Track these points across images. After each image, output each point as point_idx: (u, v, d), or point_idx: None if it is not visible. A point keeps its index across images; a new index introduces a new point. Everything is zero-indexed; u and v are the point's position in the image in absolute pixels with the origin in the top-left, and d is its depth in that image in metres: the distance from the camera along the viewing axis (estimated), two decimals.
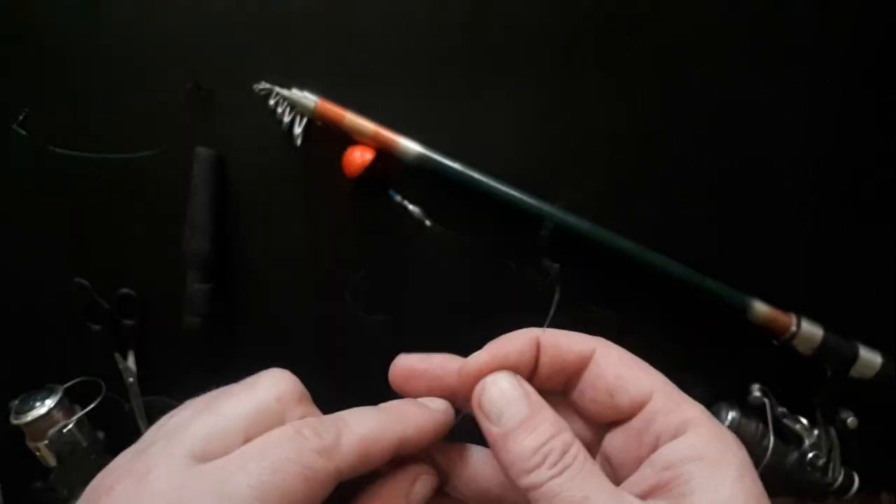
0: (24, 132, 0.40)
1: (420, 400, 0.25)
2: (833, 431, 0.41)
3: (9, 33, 0.40)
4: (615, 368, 0.24)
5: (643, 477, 0.22)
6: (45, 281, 0.43)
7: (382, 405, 0.24)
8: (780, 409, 0.41)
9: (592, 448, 0.25)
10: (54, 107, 0.40)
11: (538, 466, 0.21)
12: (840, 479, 0.40)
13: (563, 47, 0.40)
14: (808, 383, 0.41)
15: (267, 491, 0.20)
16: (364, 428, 0.23)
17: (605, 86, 0.41)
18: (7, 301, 0.43)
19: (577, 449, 0.22)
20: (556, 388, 0.25)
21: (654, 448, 0.22)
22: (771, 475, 0.39)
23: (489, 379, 0.24)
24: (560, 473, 0.21)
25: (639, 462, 0.23)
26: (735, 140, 0.41)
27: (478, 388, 0.24)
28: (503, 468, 0.22)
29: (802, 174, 0.41)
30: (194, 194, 0.40)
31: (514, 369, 0.24)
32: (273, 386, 0.23)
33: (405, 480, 0.24)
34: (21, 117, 0.40)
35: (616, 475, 0.24)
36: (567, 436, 0.22)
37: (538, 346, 0.24)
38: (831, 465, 0.40)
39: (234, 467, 0.20)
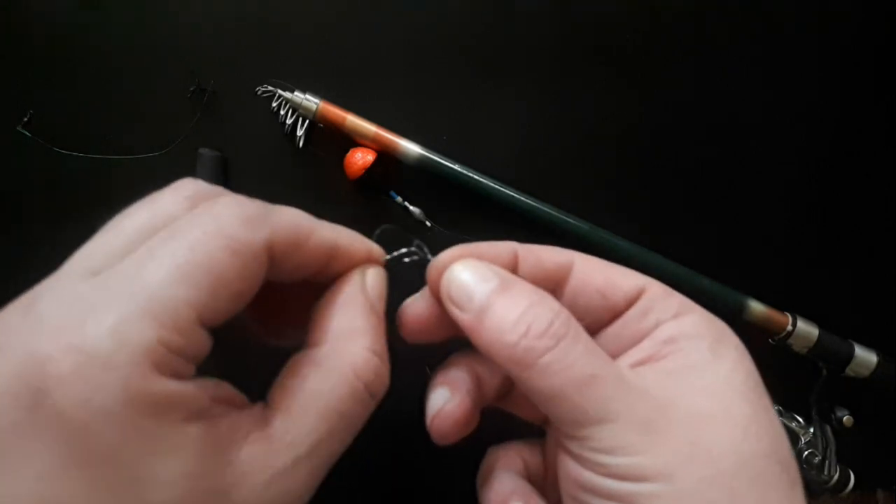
0: (28, 133, 0.40)
1: None
2: (829, 430, 0.41)
3: (12, 34, 0.40)
4: (601, 272, 0.23)
5: (641, 349, 0.21)
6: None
7: None
8: (776, 408, 0.41)
9: None
10: (58, 108, 0.41)
11: (522, 337, 0.19)
12: (836, 477, 0.40)
13: (563, 48, 0.41)
14: (803, 382, 0.41)
15: (189, 273, 0.17)
16: (294, 215, 0.21)
17: (604, 86, 0.41)
18: (7, 302, 0.43)
19: (568, 317, 0.20)
20: None
21: (654, 327, 0.21)
22: None
23: (456, 265, 0.22)
24: (555, 345, 0.19)
25: (638, 342, 0.22)
26: (732, 141, 0.41)
27: (444, 277, 0.22)
28: (490, 357, 0.20)
29: (799, 174, 0.41)
30: None
31: None
32: (177, 190, 0.20)
33: (356, 275, 0.22)
34: (25, 119, 0.40)
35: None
36: (553, 303, 0.20)
37: (516, 258, 0.23)
38: (827, 463, 0.40)
39: (141, 261, 0.17)
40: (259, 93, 0.40)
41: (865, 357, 0.40)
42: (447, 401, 0.22)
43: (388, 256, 0.24)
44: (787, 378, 0.41)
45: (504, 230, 0.41)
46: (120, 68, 0.41)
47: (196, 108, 0.40)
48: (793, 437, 0.40)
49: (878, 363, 0.40)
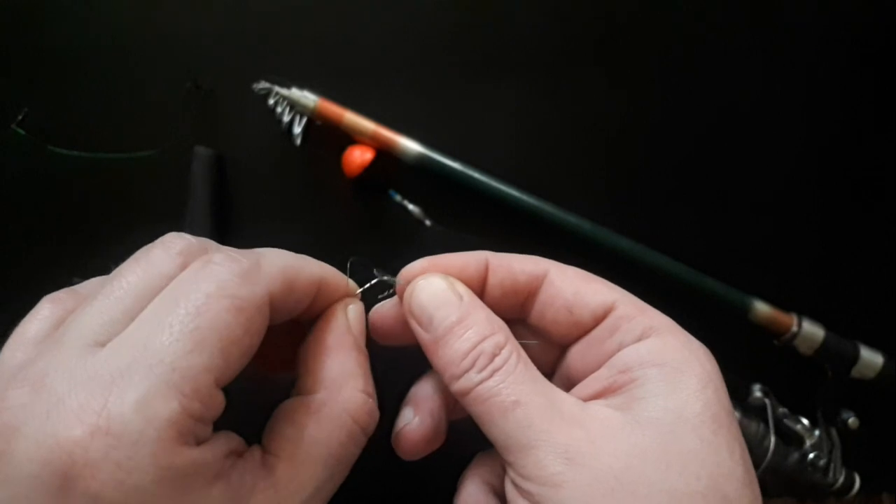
0: (22, 132, 0.40)
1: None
2: (834, 432, 0.41)
3: (7, 32, 0.40)
4: (572, 284, 0.22)
5: (597, 378, 0.21)
6: (44, 281, 0.42)
7: None
8: (781, 410, 0.41)
9: (552, 372, 0.24)
10: (53, 106, 0.40)
11: (467, 371, 0.20)
12: (841, 479, 0.40)
13: (562, 47, 0.40)
14: (809, 384, 0.41)
15: (201, 339, 0.17)
16: (282, 257, 0.21)
17: (605, 86, 0.41)
18: (6, 301, 0.43)
19: (510, 351, 0.20)
20: (512, 312, 0.24)
21: (616, 352, 0.21)
22: (772, 476, 0.39)
23: (420, 280, 0.22)
24: (490, 377, 0.20)
25: (598, 367, 0.22)
26: (736, 139, 0.41)
27: (408, 290, 0.22)
28: (437, 370, 0.21)
29: (804, 174, 0.41)
30: (194, 194, 0.40)
31: None
32: (167, 247, 0.20)
33: (339, 312, 0.23)
34: (20, 117, 0.40)
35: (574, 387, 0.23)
36: (498, 337, 0.21)
37: (487, 267, 0.23)
38: (832, 465, 0.40)
39: (150, 329, 0.17)
40: (256, 90, 0.39)
41: (871, 358, 0.39)
42: (409, 421, 0.23)
43: (360, 290, 0.25)
44: (792, 380, 0.41)
45: (503, 229, 0.40)
46: (115, 66, 0.40)
47: (192, 106, 0.40)
48: (798, 439, 0.40)
49: (884, 365, 0.39)
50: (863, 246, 0.41)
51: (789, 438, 0.40)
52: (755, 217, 0.41)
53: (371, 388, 0.22)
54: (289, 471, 0.19)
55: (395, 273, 0.24)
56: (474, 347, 0.20)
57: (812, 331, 0.39)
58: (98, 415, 0.15)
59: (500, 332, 0.21)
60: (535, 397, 0.19)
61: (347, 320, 0.23)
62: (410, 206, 0.40)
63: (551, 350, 0.24)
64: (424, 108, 0.40)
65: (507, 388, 0.20)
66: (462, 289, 0.22)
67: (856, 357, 0.39)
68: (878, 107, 0.40)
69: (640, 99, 0.41)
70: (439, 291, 0.22)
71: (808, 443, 0.40)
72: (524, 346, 0.21)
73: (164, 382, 0.16)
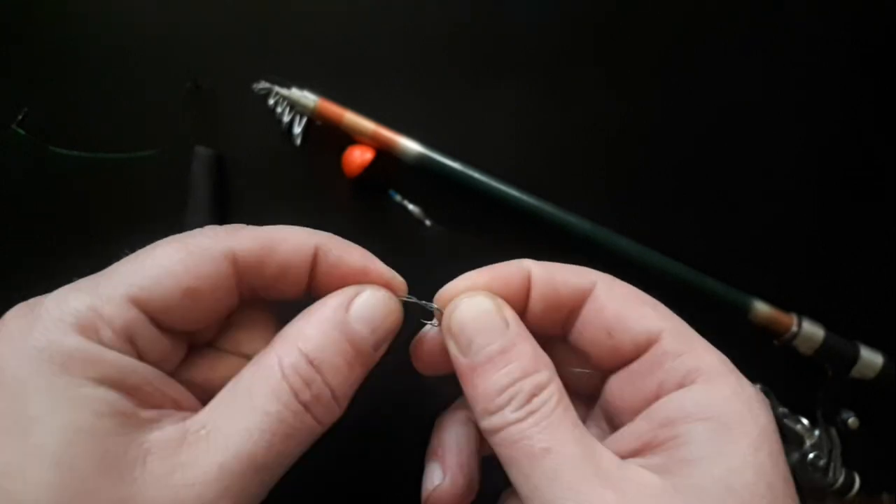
0: (22, 132, 0.40)
1: None
2: (834, 432, 0.41)
3: (7, 32, 0.40)
4: (616, 304, 0.20)
5: (636, 431, 0.19)
6: (44, 281, 0.42)
7: None
8: (781, 410, 0.41)
9: (594, 400, 0.22)
10: (53, 106, 0.40)
11: (501, 409, 0.18)
12: (841, 479, 0.40)
13: (562, 47, 0.40)
14: (809, 384, 0.41)
15: (139, 264, 0.19)
16: (273, 228, 0.21)
17: (604, 86, 0.40)
18: (6, 301, 0.43)
19: (551, 393, 0.18)
20: (554, 328, 0.22)
21: (657, 395, 0.19)
22: None
23: (465, 298, 0.20)
24: (524, 419, 0.18)
25: (638, 410, 0.19)
26: (736, 139, 0.41)
27: (450, 306, 0.21)
28: (468, 400, 0.20)
29: (804, 174, 0.41)
30: (194, 194, 0.40)
31: None
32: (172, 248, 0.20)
33: (347, 291, 0.21)
34: (20, 117, 0.40)
35: (612, 425, 0.21)
36: (542, 376, 0.19)
37: (529, 280, 0.21)
38: (832, 465, 0.40)
39: (120, 263, 0.20)
40: (256, 90, 0.39)
41: (871, 358, 0.39)
42: (438, 483, 0.21)
43: (409, 298, 0.22)
44: (792, 380, 0.41)
45: (503, 229, 0.40)
46: (116, 66, 0.40)
47: (192, 106, 0.40)
48: (798, 439, 0.40)
49: (884, 365, 0.39)
50: (863, 246, 0.41)
51: (789, 438, 0.40)
52: (755, 217, 0.41)
53: (322, 360, 0.19)
54: (203, 415, 0.18)
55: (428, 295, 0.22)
56: (514, 384, 0.19)
57: (812, 331, 0.39)
58: (37, 304, 0.19)
59: (544, 369, 0.19)
60: (568, 446, 0.17)
61: (349, 298, 0.21)
62: (410, 206, 0.40)
63: (595, 377, 0.22)
64: (424, 108, 0.40)
65: (541, 433, 0.18)
66: (509, 314, 0.20)
67: (856, 357, 0.39)
68: (877, 107, 0.40)
69: (640, 99, 0.41)
70: (484, 314, 0.20)
71: (808, 443, 0.40)
72: (568, 374, 0.20)
73: (88, 285, 0.19)
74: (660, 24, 0.40)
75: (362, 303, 0.21)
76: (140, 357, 0.18)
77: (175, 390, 0.19)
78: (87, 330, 0.18)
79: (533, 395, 0.18)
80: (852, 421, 0.40)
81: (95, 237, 0.42)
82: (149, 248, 0.20)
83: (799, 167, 0.41)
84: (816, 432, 0.40)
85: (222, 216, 0.41)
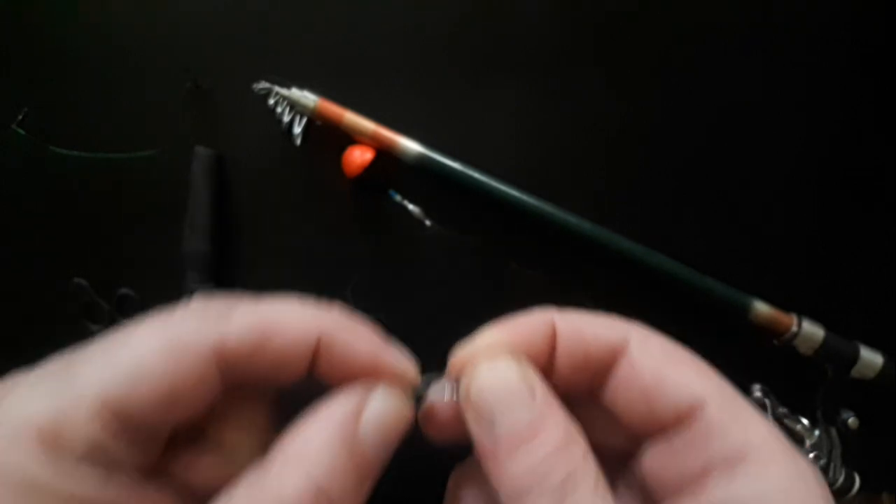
0: (22, 132, 0.40)
1: None
2: (834, 432, 0.41)
3: (7, 32, 0.40)
4: (654, 365, 0.18)
5: None
6: (44, 281, 0.43)
7: None
8: (781, 410, 0.41)
9: (627, 459, 0.20)
10: (53, 106, 0.40)
11: (530, 491, 0.16)
12: (841, 479, 0.40)
13: (563, 47, 0.40)
14: (808, 384, 0.41)
15: (110, 357, 0.17)
16: (273, 307, 0.18)
17: (604, 86, 0.40)
18: (5, 301, 0.43)
19: (585, 473, 0.16)
20: (581, 389, 0.20)
21: (702, 475, 0.17)
22: None
23: (485, 363, 0.18)
24: (557, 501, 0.16)
25: (680, 489, 0.17)
26: (736, 139, 0.41)
27: (468, 372, 0.18)
28: (490, 478, 0.17)
29: (804, 174, 0.41)
30: (194, 194, 0.40)
31: None
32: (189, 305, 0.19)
33: (355, 395, 0.18)
34: (20, 117, 0.40)
35: (646, 492, 0.19)
36: (575, 453, 0.17)
37: (554, 335, 0.19)
38: (832, 465, 0.40)
39: (89, 353, 0.17)
40: (256, 90, 0.39)
41: (871, 358, 0.39)
42: None
43: (421, 386, 0.20)
44: (792, 380, 0.41)
45: (503, 229, 0.40)
46: (115, 66, 0.40)
47: (192, 106, 0.40)
48: (798, 439, 0.40)
49: (884, 365, 0.39)
50: (863, 246, 0.41)
51: (789, 438, 0.40)
52: (755, 217, 0.41)
53: (333, 490, 0.16)
54: None
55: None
56: (542, 461, 0.16)
57: (812, 331, 0.39)
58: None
59: (575, 444, 0.17)
60: None
61: (360, 403, 0.18)
62: (410, 206, 0.40)
63: (627, 438, 0.20)
64: (424, 108, 0.40)
65: None
66: (535, 380, 0.18)
67: (856, 357, 0.39)
68: (878, 107, 0.40)
69: (640, 99, 0.41)
70: (508, 384, 0.17)
71: (807, 443, 0.40)
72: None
73: (55, 386, 0.16)
74: (660, 24, 0.40)
75: (374, 414, 0.18)
76: (112, 463, 0.16)
77: (153, 499, 0.17)
78: (52, 443, 0.15)
79: (565, 477, 0.16)
80: (852, 421, 0.40)
81: (95, 237, 0.42)
82: (126, 332, 0.17)
83: (799, 167, 0.41)
84: (816, 432, 0.40)
85: (222, 216, 0.41)
